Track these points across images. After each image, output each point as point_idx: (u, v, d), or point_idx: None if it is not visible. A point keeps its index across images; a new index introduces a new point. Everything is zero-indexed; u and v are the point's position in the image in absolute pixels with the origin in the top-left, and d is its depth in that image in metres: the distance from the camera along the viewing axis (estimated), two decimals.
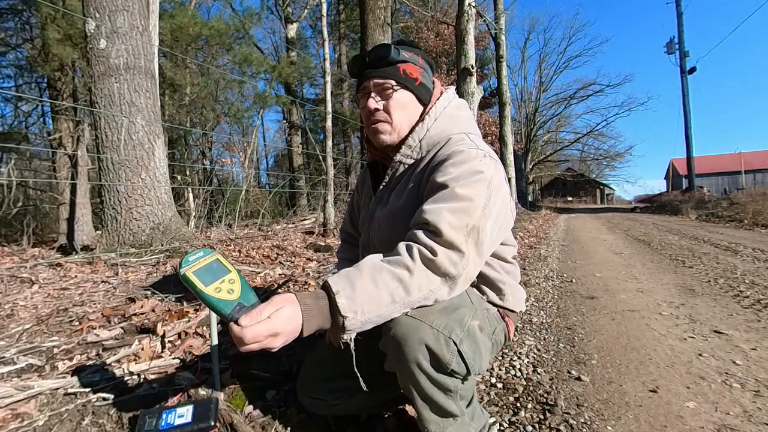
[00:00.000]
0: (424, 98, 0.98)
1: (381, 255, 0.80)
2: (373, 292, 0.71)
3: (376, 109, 0.95)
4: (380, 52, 0.94)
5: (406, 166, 0.97)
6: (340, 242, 1.34)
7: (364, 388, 0.81)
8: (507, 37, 8.52)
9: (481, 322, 0.83)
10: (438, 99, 0.99)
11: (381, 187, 1.02)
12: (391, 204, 0.97)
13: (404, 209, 0.92)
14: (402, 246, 0.79)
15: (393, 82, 0.95)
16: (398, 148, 0.98)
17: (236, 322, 0.63)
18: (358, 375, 0.80)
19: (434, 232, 0.77)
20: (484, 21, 8.16)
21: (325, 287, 0.72)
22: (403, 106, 0.96)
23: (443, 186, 0.82)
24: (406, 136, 0.97)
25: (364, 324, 0.72)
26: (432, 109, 0.97)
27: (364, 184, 1.18)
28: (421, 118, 0.97)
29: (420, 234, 0.78)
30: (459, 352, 0.76)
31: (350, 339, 0.74)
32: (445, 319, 0.76)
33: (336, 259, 1.33)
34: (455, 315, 0.78)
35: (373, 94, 0.96)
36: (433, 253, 0.75)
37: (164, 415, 0.90)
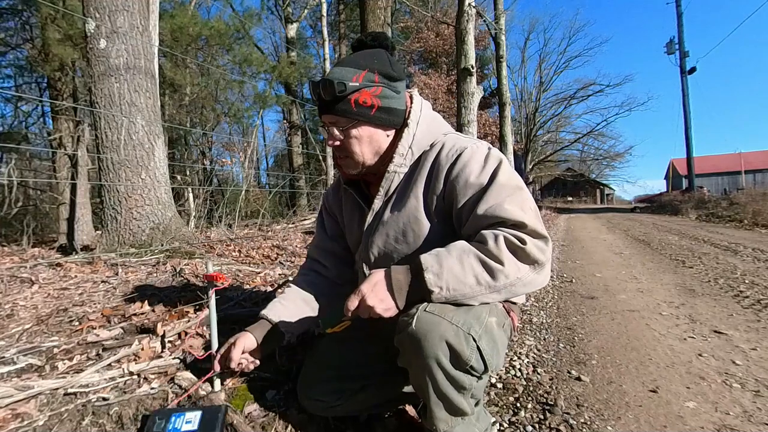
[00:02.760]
0: (390, 121, 0.94)
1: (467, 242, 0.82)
2: (459, 271, 0.76)
3: (336, 145, 0.94)
4: (326, 89, 0.88)
5: (401, 175, 0.95)
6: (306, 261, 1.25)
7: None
8: (507, 37, 8.51)
9: (498, 319, 0.84)
10: (411, 101, 0.98)
11: (377, 201, 0.98)
12: (393, 214, 0.95)
13: (410, 216, 0.92)
14: (488, 234, 0.79)
15: (344, 121, 0.91)
16: (389, 160, 0.95)
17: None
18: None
19: (516, 225, 0.79)
20: (484, 21, 8.15)
21: (416, 263, 0.79)
22: (361, 139, 0.92)
23: (481, 183, 0.84)
24: (394, 147, 0.95)
25: (448, 300, 0.77)
26: (412, 114, 0.96)
27: (344, 201, 1.11)
28: (405, 124, 0.95)
29: (500, 230, 0.80)
30: (478, 348, 0.76)
31: None
32: (463, 316, 0.77)
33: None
34: (473, 311, 0.79)
35: (330, 130, 0.93)
36: (522, 242, 0.77)
37: (173, 419, 0.89)
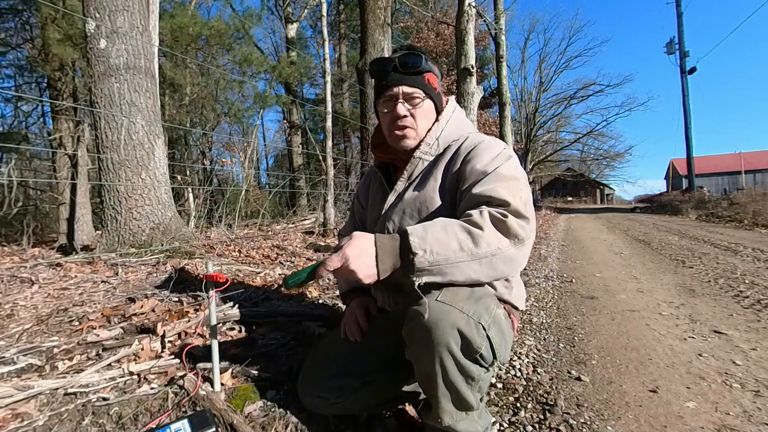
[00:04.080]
0: (439, 105, 1.07)
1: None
2: (443, 237, 0.78)
3: (405, 116, 1.01)
4: (413, 61, 0.99)
5: (426, 163, 1.04)
6: None
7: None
8: (507, 37, 8.52)
9: (504, 311, 0.87)
10: (447, 103, 1.09)
11: (400, 183, 1.06)
12: (413, 194, 1.02)
13: (427, 199, 0.99)
14: (472, 210, 0.84)
15: (422, 93, 1.01)
16: (416, 146, 1.04)
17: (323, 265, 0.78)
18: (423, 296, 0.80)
19: (501, 204, 0.84)
20: (484, 21, 8.15)
21: (402, 230, 0.81)
22: (426, 114, 1.03)
23: (486, 171, 0.91)
24: (424, 136, 1.04)
25: (432, 264, 0.76)
26: (445, 111, 1.06)
27: (371, 186, 1.21)
28: (437, 119, 1.06)
29: (485, 207, 0.84)
30: (488, 337, 0.78)
31: (419, 285, 0.78)
32: (473, 305, 0.78)
33: None
34: (481, 302, 0.81)
35: (401, 101, 1.01)
36: (504, 215, 0.81)
37: None
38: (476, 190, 0.88)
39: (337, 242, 1.40)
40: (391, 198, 1.06)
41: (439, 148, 1.03)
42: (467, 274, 0.78)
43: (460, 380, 0.79)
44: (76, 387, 1.09)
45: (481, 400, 0.89)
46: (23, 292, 1.99)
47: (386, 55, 1.06)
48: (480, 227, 0.79)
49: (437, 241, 0.77)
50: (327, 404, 1.00)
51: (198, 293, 1.90)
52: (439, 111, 1.07)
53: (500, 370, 1.49)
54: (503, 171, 0.90)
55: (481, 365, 0.80)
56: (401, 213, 1.02)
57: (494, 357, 0.80)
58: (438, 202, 0.97)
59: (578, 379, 1.42)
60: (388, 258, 0.78)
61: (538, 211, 14.97)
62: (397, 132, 1.02)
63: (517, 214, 0.83)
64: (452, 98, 1.12)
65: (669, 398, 1.28)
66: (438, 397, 0.82)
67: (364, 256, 0.77)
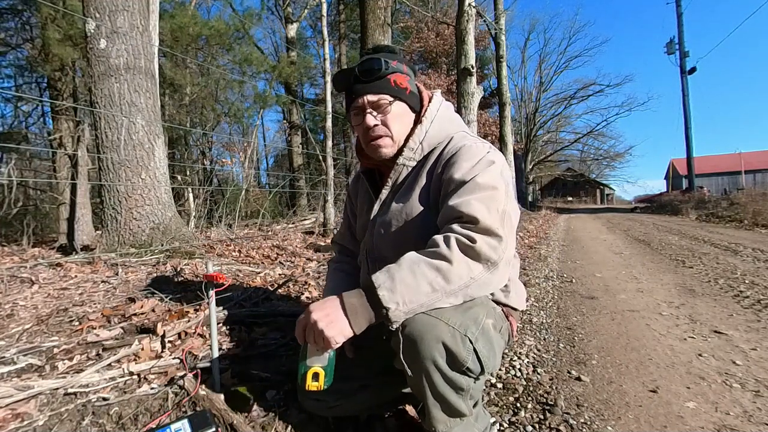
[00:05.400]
0: (415, 105, 1.01)
1: (417, 251, 0.82)
2: (412, 282, 0.75)
3: (375, 125, 0.96)
4: (371, 66, 0.94)
5: (409, 168, 0.99)
6: (335, 254, 1.31)
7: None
8: (507, 37, 8.53)
9: (494, 321, 0.85)
10: (430, 102, 1.02)
11: (384, 191, 1.03)
12: (398, 205, 0.98)
13: (413, 208, 0.95)
14: (438, 238, 0.81)
15: (388, 97, 0.95)
16: (399, 152, 0.99)
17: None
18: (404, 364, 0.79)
19: (470, 222, 0.80)
20: (484, 21, 8.16)
21: (369, 283, 0.77)
22: (399, 117, 0.98)
23: (463, 180, 0.86)
24: (406, 140, 0.99)
25: (407, 314, 0.76)
26: (427, 112, 1.00)
27: (358, 192, 1.18)
28: (419, 121, 1.00)
29: (455, 226, 0.81)
30: (474, 350, 0.77)
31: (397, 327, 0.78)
32: (460, 318, 0.77)
33: (328, 267, 1.30)
34: (470, 313, 0.79)
35: (369, 110, 0.96)
36: (472, 240, 0.78)
37: None
38: (451, 201, 0.84)
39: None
40: (376, 208, 1.04)
41: (423, 152, 0.98)
42: (441, 306, 0.78)
43: (449, 391, 0.79)
44: (76, 387, 1.09)
45: (475, 405, 0.89)
46: (23, 292, 1.99)
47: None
48: (448, 260, 0.76)
49: (408, 289, 0.75)
50: (326, 407, 0.99)
51: (198, 293, 1.90)
52: (416, 110, 1.01)
53: (500, 370, 1.49)
54: (481, 180, 0.85)
55: (470, 376, 0.79)
56: (387, 225, 0.99)
57: (482, 369, 0.79)
58: (425, 213, 0.94)
59: (578, 379, 1.42)
60: (362, 317, 0.76)
61: (537, 211, 14.97)
62: (372, 144, 0.98)
63: (488, 232, 0.79)
64: (437, 93, 1.06)
65: (669, 398, 1.28)
66: (429, 407, 0.81)
67: (331, 316, 0.76)
